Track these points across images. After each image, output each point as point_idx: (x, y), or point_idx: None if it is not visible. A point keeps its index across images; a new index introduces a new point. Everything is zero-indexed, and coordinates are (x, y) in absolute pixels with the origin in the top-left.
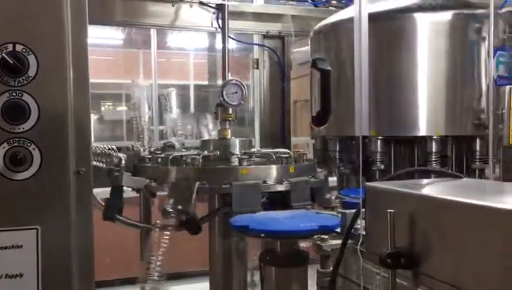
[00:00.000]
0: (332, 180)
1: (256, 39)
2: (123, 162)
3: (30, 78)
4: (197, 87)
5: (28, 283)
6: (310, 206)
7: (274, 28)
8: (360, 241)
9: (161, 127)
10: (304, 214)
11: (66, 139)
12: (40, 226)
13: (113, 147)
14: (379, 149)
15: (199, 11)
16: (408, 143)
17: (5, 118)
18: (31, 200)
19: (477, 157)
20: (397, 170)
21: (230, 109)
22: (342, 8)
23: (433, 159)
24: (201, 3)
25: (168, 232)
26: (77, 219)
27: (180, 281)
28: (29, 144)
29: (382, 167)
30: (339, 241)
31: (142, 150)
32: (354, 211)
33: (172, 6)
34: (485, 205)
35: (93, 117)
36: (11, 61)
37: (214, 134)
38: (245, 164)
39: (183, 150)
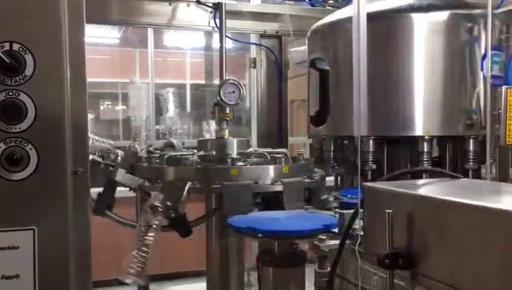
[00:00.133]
0: (330, 180)
1: (253, 38)
2: (119, 158)
3: (27, 78)
4: (194, 87)
5: (25, 283)
6: (304, 207)
7: (271, 27)
8: (358, 241)
9: (157, 127)
10: (301, 215)
11: (63, 139)
12: (37, 227)
13: (111, 142)
14: (371, 149)
15: (196, 10)
16: (400, 143)
17: (2, 117)
18: (27, 200)
19: (471, 157)
20: (389, 170)
21: (228, 109)
22: (339, 7)
23: (425, 159)
24: (198, 2)
25: (152, 231)
26: (74, 219)
27: (178, 281)
28: (26, 144)
29: (374, 166)
30: (337, 242)
31: (139, 149)
32: (351, 211)
33: (169, 5)
34: (485, 206)
35: (89, 116)
36: (8, 60)
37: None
38: (239, 164)
39: (184, 149)
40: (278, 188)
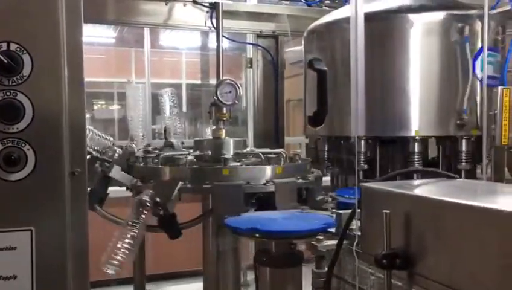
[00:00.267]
0: (326, 180)
1: (249, 38)
2: (116, 155)
3: (24, 78)
4: (190, 86)
5: (22, 284)
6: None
7: (268, 27)
8: (356, 241)
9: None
10: (298, 215)
11: (61, 140)
12: (35, 227)
13: (111, 139)
14: (363, 149)
15: (192, 10)
16: (392, 143)
17: None
18: (25, 201)
19: (463, 158)
20: (381, 170)
21: (225, 109)
22: (336, 8)
23: (415, 160)
24: (195, 2)
25: (139, 225)
26: (72, 219)
27: (174, 281)
28: (23, 144)
29: (366, 166)
30: (334, 242)
31: (136, 149)
32: (349, 211)
33: (166, 5)
34: (481, 207)
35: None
36: (5, 60)
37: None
38: (235, 164)
39: (183, 149)
40: (270, 188)
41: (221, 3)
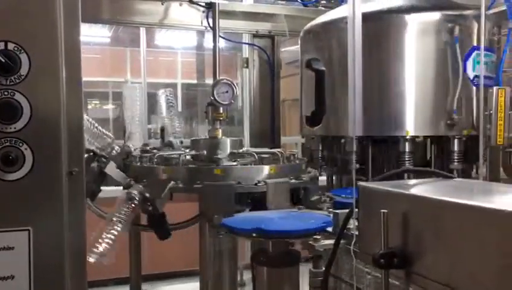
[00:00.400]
0: (323, 179)
1: (245, 38)
2: (114, 152)
3: (22, 77)
4: (185, 86)
5: (20, 284)
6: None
7: (264, 27)
8: (354, 241)
9: (149, 126)
10: (295, 215)
11: (59, 139)
12: (32, 227)
13: (111, 136)
14: (354, 149)
15: (188, 10)
16: (384, 143)
17: None
18: (22, 201)
19: (455, 157)
20: (373, 169)
21: (221, 109)
22: (332, 8)
23: (406, 159)
24: (191, 2)
25: (124, 217)
26: (70, 219)
27: (170, 281)
28: (21, 144)
29: (358, 166)
30: (332, 241)
31: (133, 149)
32: (346, 211)
33: (162, 4)
34: (480, 206)
35: None
36: (3, 60)
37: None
38: (233, 163)
39: (182, 149)
40: (261, 189)
41: (218, 3)
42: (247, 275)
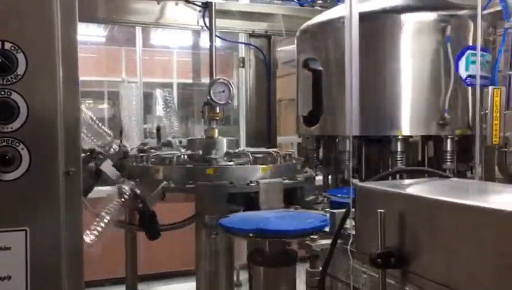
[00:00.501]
0: (320, 179)
1: (242, 38)
2: (112, 150)
3: (19, 77)
4: (181, 86)
5: (17, 285)
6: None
7: (260, 27)
8: (351, 241)
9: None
10: (293, 214)
11: (56, 139)
12: (29, 228)
13: (111, 134)
14: (350, 148)
15: (184, 9)
16: (377, 142)
17: None
18: (19, 201)
19: (448, 157)
20: (367, 169)
21: (218, 108)
22: (328, 8)
23: (398, 159)
24: (187, 1)
25: (113, 210)
26: (66, 219)
27: (166, 281)
28: (17, 144)
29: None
30: (328, 241)
31: (129, 148)
32: (343, 211)
33: (158, 4)
34: (478, 206)
35: None
36: (0, 60)
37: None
38: (229, 163)
39: (181, 148)
40: (254, 189)
41: (214, 3)
42: (243, 275)
